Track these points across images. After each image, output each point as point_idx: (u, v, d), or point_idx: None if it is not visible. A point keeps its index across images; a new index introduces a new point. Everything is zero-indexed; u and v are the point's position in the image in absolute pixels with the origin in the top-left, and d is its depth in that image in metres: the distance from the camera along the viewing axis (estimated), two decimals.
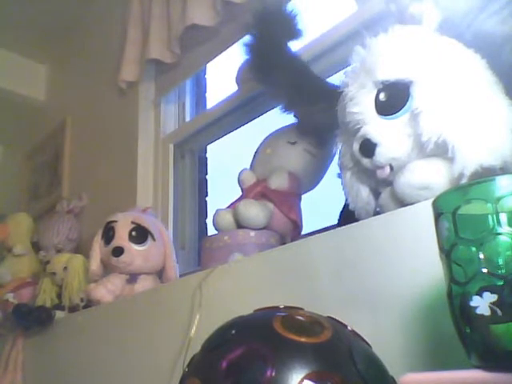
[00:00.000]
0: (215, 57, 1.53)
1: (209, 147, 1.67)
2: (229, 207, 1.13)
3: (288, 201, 1.12)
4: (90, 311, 1.32)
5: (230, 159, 1.64)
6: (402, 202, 0.72)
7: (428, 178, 0.70)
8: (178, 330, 0.98)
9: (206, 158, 1.68)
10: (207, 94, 1.72)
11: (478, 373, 0.39)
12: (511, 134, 0.66)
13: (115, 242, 1.28)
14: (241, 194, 1.17)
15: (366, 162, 0.75)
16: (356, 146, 0.76)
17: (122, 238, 1.28)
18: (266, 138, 1.23)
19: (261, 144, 1.23)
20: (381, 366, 0.53)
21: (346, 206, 0.94)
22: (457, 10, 0.75)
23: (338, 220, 0.96)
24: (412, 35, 0.73)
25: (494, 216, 0.39)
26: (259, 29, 1.10)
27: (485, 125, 0.66)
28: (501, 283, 0.39)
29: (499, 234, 0.39)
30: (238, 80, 1.43)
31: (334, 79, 1.22)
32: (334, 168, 1.09)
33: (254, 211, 1.05)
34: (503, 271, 0.39)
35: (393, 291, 0.69)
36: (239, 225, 1.07)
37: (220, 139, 1.59)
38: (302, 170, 1.15)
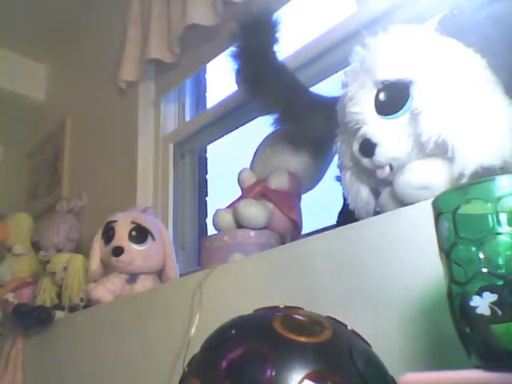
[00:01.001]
0: (215, 57, 1.53)
1: (209, 147, 1.67)
2: (229, 207, 1.13)
3: (288, 201, 1.12)
4: (89, 311, 1.32)
5: (229, 159, 1.64)
6: (401, 202, 0.72)
7: (428, 177, 0.70)
8: (178, 330, 0.98)
9: (206, 158, 1.68)
10: (207, 94, 1.72)
11: (478, 373, 0.39)
12: (511, 134, 0.66)
13: (115, 242, 1.28)
14: (241, 193, 1.17)
15: (365, 161, 0.75)
16: (356, 146, 0.76)
17: (121, 237, 1.28)
18: (266, 137, 1.23)
19: (261, 144, 1.23)
20: (381, 365, 0.53)
21: (344, 207, 0.95)
22: (457, 8, 0.75)
23: (337, 220, 0.96)
24: (412, 35, 0.73)
25: (494, 216, 0.39)
26: (244, 40, 1.09)
27: (485, 124, 0.66)
28: (501, 283, 0.39)
29: (499, 233, 0.39)
30: (238, 80, 1.43)
31: (334, 80, 1.22)
32: (333, 168, 1.09)
33: (254, 211, 1.05)
34: (503, 271, 0.39)
35: (393, 291, 0.69)
36: (239, 225, 1.07)
37: (220, 139, 1.59)
38: (301, 169, 1.15)
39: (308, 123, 1.03)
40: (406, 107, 0.71)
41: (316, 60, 1.25)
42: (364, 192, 0.81)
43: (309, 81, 1.31)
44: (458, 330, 0.42)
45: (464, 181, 0.65)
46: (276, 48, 1.11)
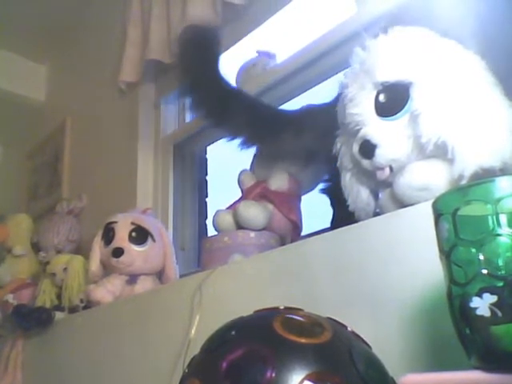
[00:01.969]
0: None
1: (209, 148, 1.67)
2: (229, 208, 1.13)
3: (288, 202, 1.12)
4: (89, 312, 1.32)
5: (229, 160, 1.64)
6: (401, 203, 0.72)
7: (428, 179, 0.70)
8: (178, 331, 0.98)
9: (206, 159, 1.68)
10: None
11: (478, 374, 0.39)
12: (511, 135, 0.66)
13: (115, 243, 1.28)
14: (241, 194, 1.17)
15: (365, 163, 0.75)
16: (356, 148, 0.76)
17: (121, 238, 1.28)
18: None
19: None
20: (381, 366, 0.53)
21: (334, 215, 0.95)
22: (458, 11, 0.75)
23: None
24: (412, 37, 0.73)
25: (494, 217, 0.39)
26: (189, 70, 1.09)
27: (484, 126, 0.67)
28: (501, 284, 0.39)
29: (499, 235, 0.39)
30: (238, 81, 1.43)
31: (334, 80, 1.22)
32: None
33: (254, 212, 1.06)
34: (503, 272, 0.39)
35: (393, 292, 0.70)
36: (239, 226, 1.07)
37: (220, 140, 1.59)
38: (301, 171, 1.15)
39: (278, 140, 1.03)
40: (405, 109, 0.71)
41: (316, 61, 1.25)
42: (364, 193, 0.81)
43: (309, 82, 1.31)
44: (458, 331, 0.42)
45: (464, 182, 0.65)
46: (222, 70, 1.11)
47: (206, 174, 1.66)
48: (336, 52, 1.21)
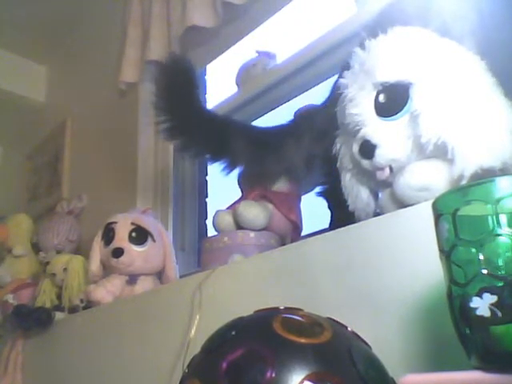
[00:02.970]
0: (215, 58, 1.53)
1: None
2: (229, 208, 1.13)
3: (288, 202, 1.12)
4: (89, 312, 1.32)
5: None
6: (401, 204, 0.72)
7: (428, 179, 0.70)
8: (178, 331, 0.98)
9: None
10: (207, 95, 1.72)
11: (478, 374, 0.39)
12: (511, 136, 0.66)
13: (115, 243, 1.28)
14: (240, 195, 1.17)
15: (365, 163, 0.75)
16: (355, 148, 0.76)
17: (121, 239, 1.28)
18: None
19: None
20: (381, 366, 0.53)
21: (332, 218, 0.95)
22: (457, 10, 0.75)
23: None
24: (411, 37, 0.73)
25: (494, 217, 0.39)
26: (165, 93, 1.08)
27: (484, 126, 0.67)
28: (501, 284, 0.39)
29: (499, 235, 0.39)
30: (238, 81, 1.43)
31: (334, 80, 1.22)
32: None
33: (254, 212, 1.06)
34: (503, 272, 0.39)
35: (393, 292, 0.70)
36: (239, 226, 1.07)
37: None
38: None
39: (281, 153, 1.02)
40: (405, 109, 0.71)
41: (316, 62, 1.25)
42: (364, 193, 0.81)
43: (309, 83, 1.31)
44: (458, 331, 0.42)
45: (464, 182, 0.65)
46: (199, 94, 1.11)
47: (206, 174, 1.66)
48: (336, 52, 1.21)
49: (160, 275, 1.34)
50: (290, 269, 0.85)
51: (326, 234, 0.83)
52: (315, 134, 0.98)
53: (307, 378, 0.46)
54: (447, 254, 0.42)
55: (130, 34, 1.69)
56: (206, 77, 1.72)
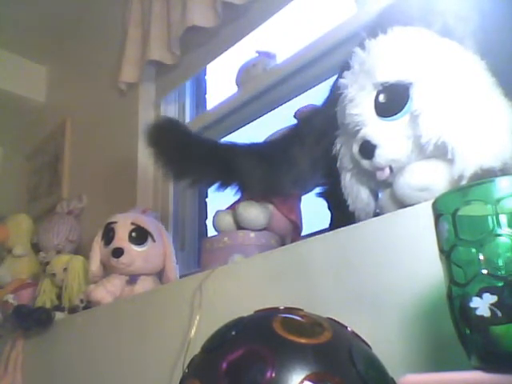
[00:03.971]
0: (215, 58, 1.53)
1: None
2: (229, 208, 1.13)
3: (288, 202, 1.12)
4: (89, 312, 1.32)
5: None
6: (401, 204, 0.72)
7: (428, 179, 0.70)
8: (178, 331, 0.98)
9: None
10: (207, 95, 1.72)
11: (478, 374, 0.39)
12: (511, 136, 0.66)
13: (115, 243, 1.28)
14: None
15: (365, 163, 0.75)
16: (356, 148, 0.76)
17: (121, 239, 1.28)
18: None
19: None
20: (381, 367, 0.53)
21: (332, 219, 0.95)
22: (457, 11, 0.75)
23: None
24: (411, 37, 0.73)
25: (494, 217, 0.39)
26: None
27: (484, 126, 0.67)
28: (501, 284, 0.39)
29: (499, 235, 0.39)
30: (238, 81, 1.43)
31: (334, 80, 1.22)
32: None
33: (254, 212, 1.06)
34: (503, 272, 0.39)
35: (393, 292, 0.70)
36: (239, 226, 1.07)
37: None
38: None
39: (272, 177, 1.02)
40: (405, 109, 0.71)
41: (316, 62, 1.25)
42: (364, 193, 0.81)
43: (309, 83, 1.31)
44: (458, 331, 0.42)
45: (464, 182, 0.66)
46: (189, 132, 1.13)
47: None
48: (336, 52, 1.21)
49: (160, 275, 1.34)
50: (290, 269, 0.85)
51: (326, 234, 0.83)
52: (317, 136, 0.98)
53: (307, 378, 0.46)
54: (447, 254, 0.42)
55: (130, 34, 1.69)
56: (206, 77, 1.73)
